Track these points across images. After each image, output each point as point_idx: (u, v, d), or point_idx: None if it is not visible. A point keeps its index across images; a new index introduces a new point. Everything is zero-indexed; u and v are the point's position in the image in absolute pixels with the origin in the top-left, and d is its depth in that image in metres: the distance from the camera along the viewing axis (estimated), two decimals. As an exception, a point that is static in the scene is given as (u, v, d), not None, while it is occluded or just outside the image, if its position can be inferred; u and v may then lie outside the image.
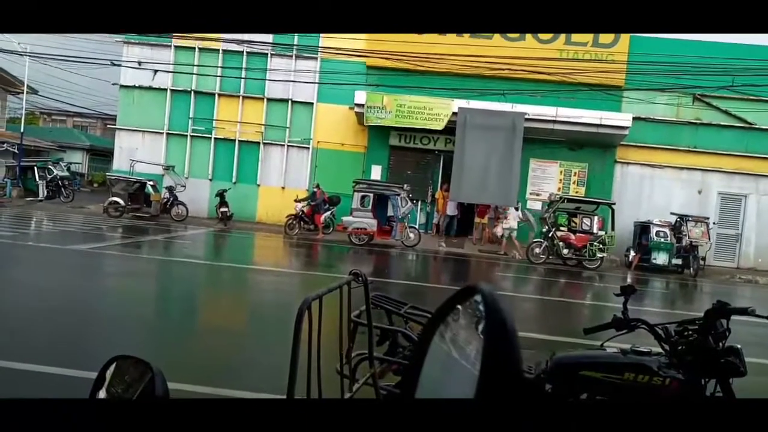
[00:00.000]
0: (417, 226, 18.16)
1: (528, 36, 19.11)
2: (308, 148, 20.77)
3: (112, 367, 1.23)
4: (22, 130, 26.10)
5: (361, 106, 18.48)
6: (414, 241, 16.82)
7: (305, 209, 17.87)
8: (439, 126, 18.06)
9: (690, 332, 2.72)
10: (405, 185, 17.23)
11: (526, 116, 17.61)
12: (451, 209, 18.88)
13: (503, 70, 18.02)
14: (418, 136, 19.69)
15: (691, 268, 15.96)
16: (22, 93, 27.84)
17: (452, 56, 18.10)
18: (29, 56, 24.85)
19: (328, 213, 17.94)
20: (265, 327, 6.81)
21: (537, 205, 19.20)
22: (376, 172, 20.09)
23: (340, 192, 18.52)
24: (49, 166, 23.56)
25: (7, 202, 20.83)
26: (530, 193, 19.60)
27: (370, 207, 16.71)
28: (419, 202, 19.49)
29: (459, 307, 0.92)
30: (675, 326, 2.79)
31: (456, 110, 17.83)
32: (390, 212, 17.09)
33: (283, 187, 20.60)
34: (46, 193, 22.38)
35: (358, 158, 20.44)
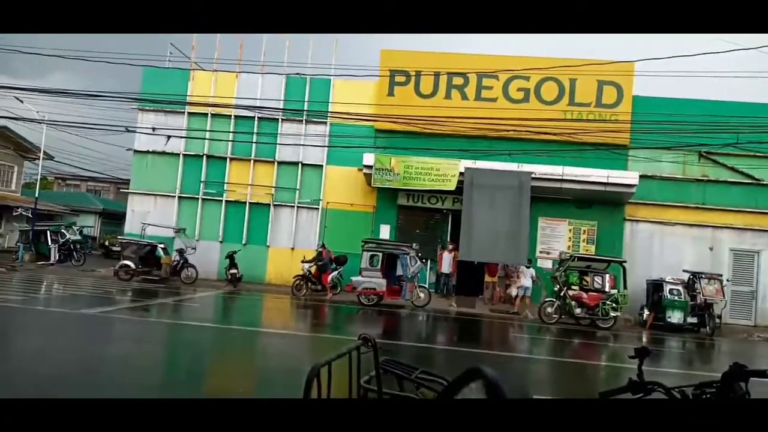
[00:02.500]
0: (427, 286, 18.01)
1: (532, 98, 19.56)
2: (317, 208, 20.96)
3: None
4: (36, 195, 26.60)
5: (369, 167, 18.77)
6: (424, 301, 16.66)
7: (312, 270, 17.85)
8: (448, 186, 18.25)
9: (707, 395, 2.64)
10: (414, 244, 17.24)
11: (533, 175, 17.77)
12: (446, 267, 18.77)
13: (509, 131, 18.33)
14: (426, 195, 19.86)
15: (707, 327, 15.61)
16: (39, 159, 28.55)
17: (458, 119, 18.49)
18: (47, 123, 25.60)
19: (336, 273, 17.89)
20: (274, 394, 6.67)
21: (548, 264, 19.09)
22: (384, 232, 20.16)
23: (349, 251, 18.52)
24: (62, 230, 23.80)
25: (19, 266, 20.98)
26: (540, 251, 19.51)
27: (379, 266, 16.65)
28: (428, 262, 19.41)
29: (464, 388, 0.92)
30: (692, 389, 2.72)
31: (463, 170, 18.05)
32: (399, 272, 17.00)
33: (292, 248, 20.66)
34: (57, 256, 22.53)
35: (367, 218, 20.56)
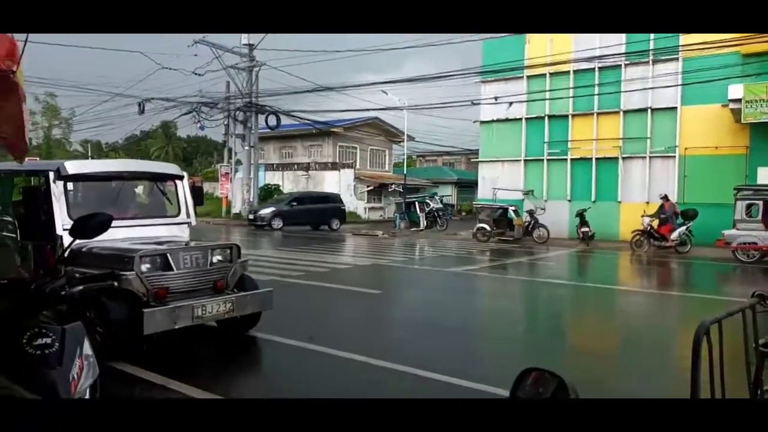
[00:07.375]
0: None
1: None
2: (674, 156, 18.97)
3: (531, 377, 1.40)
4: (404, 172, 30.94)
5: (737, 101, 16.06)
6: (828, 257, 13.55)
7: (654, 224, 16.42)
8: None
9: None
10: (808, 188, 14.09)
11: None
12: None
13: None
14: (823, 125, 15.99)
15: None
16: (403, 141, 33.06)
17: None
18: (407, 109, 29.37)
19: (683, 228, 16.01)
20: (642, 352, 6.42)
21: None
22: (763, 176, 17.02)
23: (717, 202, 16.32)
24: (427, 200, 27.23)
25: (397, 232, 24.82)
26: None
27: (759, 217, 14.18)
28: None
29: None
30: None
31: None
32: (789, 222, 14.16)
33: (647, 202, 19.20)
34: (425, 223, 25.83)
35: (738, 162, 17.69)
